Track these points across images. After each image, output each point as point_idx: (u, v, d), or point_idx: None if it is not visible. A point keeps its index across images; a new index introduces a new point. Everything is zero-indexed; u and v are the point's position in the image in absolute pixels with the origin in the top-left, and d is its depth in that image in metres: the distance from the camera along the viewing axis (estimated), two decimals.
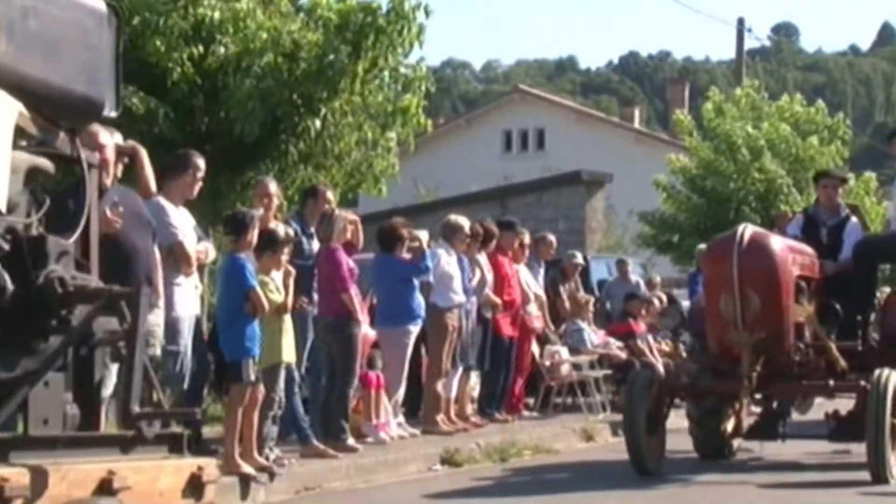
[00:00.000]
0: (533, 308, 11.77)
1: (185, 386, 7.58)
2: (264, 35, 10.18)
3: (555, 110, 37.92)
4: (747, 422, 9.01)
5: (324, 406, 8.97)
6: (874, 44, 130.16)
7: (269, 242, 7.72)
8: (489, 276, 10.83)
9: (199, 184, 7.59)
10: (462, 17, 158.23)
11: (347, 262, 9.08)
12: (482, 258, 10.85)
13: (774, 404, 9.21)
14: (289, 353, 7.82)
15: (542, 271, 12.63)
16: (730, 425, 8.82)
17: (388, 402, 9.66)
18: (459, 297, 10.31)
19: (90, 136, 6.35)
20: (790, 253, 8.60)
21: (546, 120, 36.73)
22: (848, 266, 9.24)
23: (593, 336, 13.20)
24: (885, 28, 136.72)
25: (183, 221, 7.36)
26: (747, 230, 8.44)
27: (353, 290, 9.07)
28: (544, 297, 12.27)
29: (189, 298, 7.45)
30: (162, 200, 7.21)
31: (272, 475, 7.40)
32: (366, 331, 9.52)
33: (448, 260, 10.33)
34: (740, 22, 27.00)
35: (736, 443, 9.33)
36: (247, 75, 10.10)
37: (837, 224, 9.53)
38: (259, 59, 10.15)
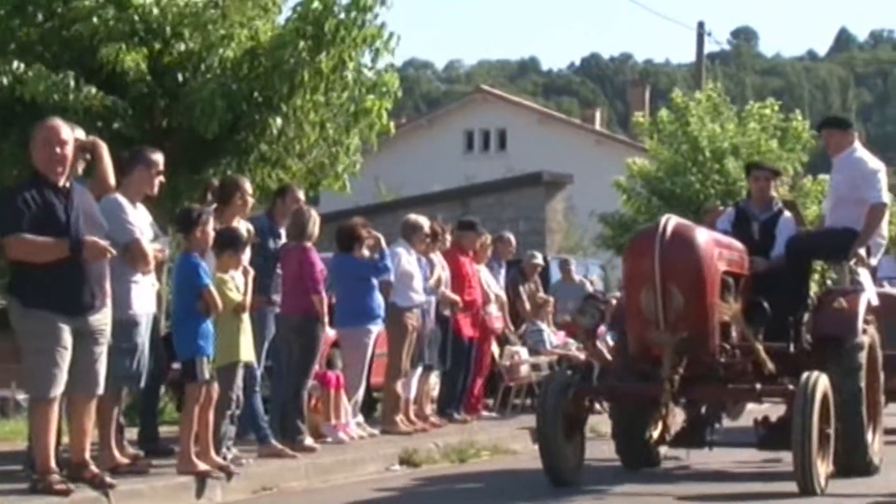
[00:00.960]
0: (493, 308, 11.76)
1: (142, 384, 7.52)
2: (222, 31, 10.11)
3: (516, 111, 38.01)
4: (674, 428, 8.44)
5: (283, 406, 8.92)
6: (831, 49, 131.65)
7: (230, 241, 7.66)
8: (445, 275, 10.81)
9: (158, 180, 7.51)
10: (425, 16, 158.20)
11: (319, 262, 9.04)
12: (436, 257, 10.82)
13: (703, 409, 8.56)
14: (247, 352, 7.77)
15: (503, 272, 12.63)
16: (656, 431, 8.08)
17: (347, 402, 9.62)
18: (420, 297, 10.29)
19: (51, 131, 6.29)
20: (716, 247, 7.97)
21: (508, 120, 36.83)
22: (780, 263, 8.66)
23: (553, 337, 13.22)
24: (842, 34, 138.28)
25: (140, 219, 7.28)
26: (671, 222, 7.77)
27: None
28: (504, 298, 12.27)
29: (146, 296, 7.37)
30: (119, 197, 7.13)
31: (229, 474, 7.34)
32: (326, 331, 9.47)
33: (408, 259, 10.30)
34: (700, 25, 27.14)
35: (663, 450, 8.79)
36: (206, 72, 10.02)
37: (770, 219, 8.91)
38: (217, 56, 10.08)
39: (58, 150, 6.14)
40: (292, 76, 10.02)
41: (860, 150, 8.97)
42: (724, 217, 9.22)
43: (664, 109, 21.65)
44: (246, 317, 7.74)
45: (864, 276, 8.59)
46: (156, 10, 9.95)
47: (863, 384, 8.14)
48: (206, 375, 7.20)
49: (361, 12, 10.18)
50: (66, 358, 6.10)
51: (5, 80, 9.52)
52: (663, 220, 7.80)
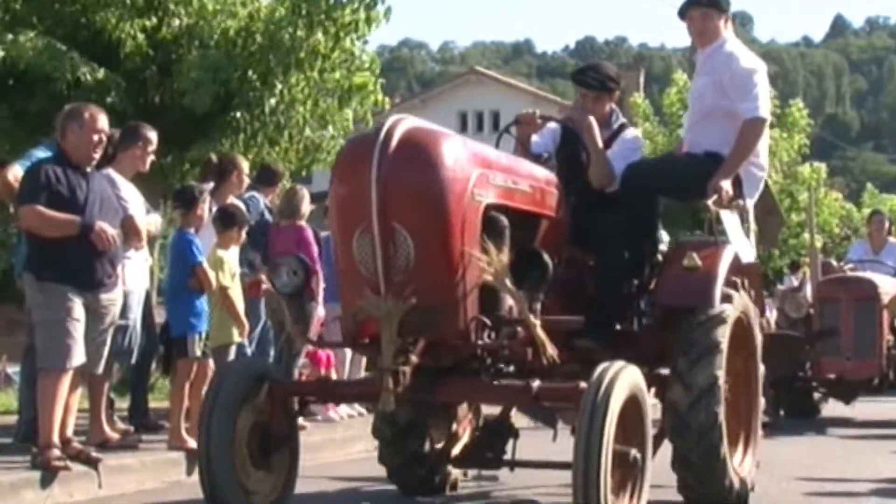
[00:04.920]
0: None
1: (133, 360, 7.57)
2: (217, 6, 10.10)
3: (510, 92, 38.06)
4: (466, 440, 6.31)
5: None
6: (826, 35, 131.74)
7: (233, 219, 7.74)
8: None
9: (151, 157, 7.53)
10: None
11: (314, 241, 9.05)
12: None
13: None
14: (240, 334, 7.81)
15: None
16: (439, 444, 6.22)
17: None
18: None
19: (92, 118, 6.40)
20: (478, 166, 5.06)
21: (501, 102, 36.87)
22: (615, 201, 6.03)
23: None
24: (838, 20, 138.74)
25: (132, 195, 7.31)
26: (401, 125, 4.94)
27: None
28: None
29: (139, 273, 7.43)
30: (113, 173, 7.15)
31: None
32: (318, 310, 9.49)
33: None
34: None
35: (459, 472, 6.48)
36: (199, 47, 10.01)
37: (607, 140, 6.21)
38: (211, 31, 10.07)
39: (95, 137, 6.39)
40: (288, 54, 10.03)
41: (733, 43, 6.18)
42: (547, 133, 6.43)
43: (673, 88, 21.81)
44: (239, 297, 7.76)
45: (729, 221, 5.82)
46: None
47: (720, 374, 5.45)
48: (198, 352, 7.24)
49: None
50: (79, 330, 6.24)
51: None
52: (390, 121, 4.97)
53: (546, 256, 5.08)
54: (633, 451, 4.84)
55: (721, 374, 5.45)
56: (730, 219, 5.84)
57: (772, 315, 13.33)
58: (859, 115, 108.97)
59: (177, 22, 10.13)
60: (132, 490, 4.90)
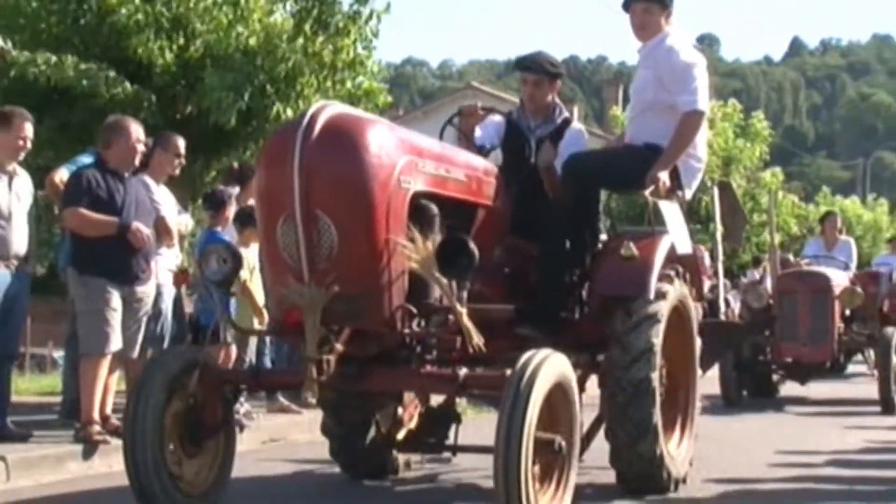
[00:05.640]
0: None
1: (165, 346, 7.58)
2: (240, 27, 10.10)
3: (503, 105, 37.95)
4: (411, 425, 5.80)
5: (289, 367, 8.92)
6: (785, 55, 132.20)
7: (249, 219, 7.76)
8: None
9: (180, 162, 7.54)
10: (420, 19, 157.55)
11: None
12: None
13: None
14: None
15: None
16: (384, 428, 5.78)
17: None
18: None
19: (134, 130, 6.44)
20: (405, 153, 4.54)
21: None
22: (558, 193, 5.53)
23: None
24: (795, 41, 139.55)
25: (164, 197, 7.31)
26: (325, 111, 4.41)
27: None
28: None
29: (170, 267, 7.45)
30: (147, 178, 7.16)
31: (241, 427, 7.36)
32: None
33: None
34: None
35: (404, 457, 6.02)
36: (220, 67, 10.01)
37: (552, 133, 5.75)
38: (229, 47, 10.05)
39: (136, 147, 6.53)
40: (299, 66, 10.01)
41: (674, 38, 5.61)
42: (489, 126, 5.96)
43: None
44: (260, 291, 7.77)
45: (668, 210, 5.33)
46: (182, 8, 9.93)
47: (657, 343, 5.08)
48: (229, 338, 7.29)
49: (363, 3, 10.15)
50: (117, 319, 6.30)
51: (41, 70, 9.48)
52: (314, 108, 4.45)
53: (472, 244, 4.37)
54: (559, 439, 4.31)
55: (658, 342, 5.03)
56: (668, 209, 5.32)
57: (736, 305, 13.34)
58: (814, 126, 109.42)
59: (200, 41, 10.12)
60: None
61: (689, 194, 5.60)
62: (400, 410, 5.80)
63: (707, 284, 16.07)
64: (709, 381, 11.28)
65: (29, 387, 9.66)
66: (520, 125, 5.83)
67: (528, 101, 5.88)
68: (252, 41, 10.14)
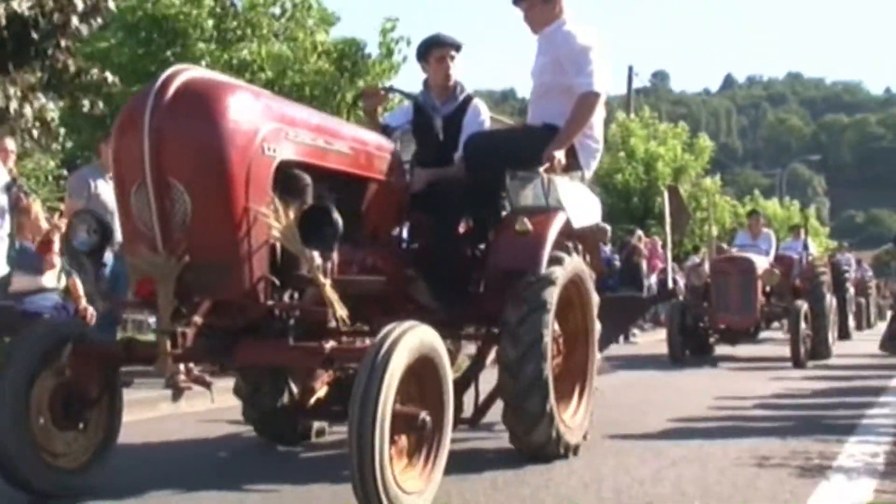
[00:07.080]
0: None
1: None
2: (297, 66, 10.09)
3: (497, 125, 37.84)
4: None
5: None
6: (720, 87, 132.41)
7: None
8: None
9: None
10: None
11: None
12: None
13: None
14: None
15: None
16: (297, 395, 4.56)
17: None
18: None
19: None
20: (272, 121, 3.47)
21: None
22: (460, 172, 4.54)
23: None
24: (728, 77, 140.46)
25: None
26: (180, 75, 3.36)
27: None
28: None
29: None
30: None
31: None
32: None
33: None
34: (630, 69, 27.27)
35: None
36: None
37: (455, 112, 4.81)
38: (283, 85, 10.02)
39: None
40: (337, 104, 9.97)
41: (571, 23, 4.70)
42: (400, 112, 5.06)
43: (613, 124, 23.24)
44: None
45: (566, 187, 4.48)
46: (256, 59, 9.87)
47: (547, 332, 4.06)
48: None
49: (387, 47, 10.08)
50: None
51: None
52: (168, 71, 3.39)
53: (336, 214, 3.37)
54: (423, 414, 3.22)
55: (548, 331, 4.05)
56: (565, 185, 4.45)
57: (681, 283, 13.39)
58: (743, 143, 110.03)
59: (263, 76, 10.11)
60: (236, 404, 4.93)
61: (588, 174, 4.76)
62: (313, 379, 4.48)
63: (658, 267, 16.09)
64: (659, 344, 11.31)
65: None
66: (425, 105, 4.84)
67: (434, 78, 4.84)
68: (304, 77, 10.08)
